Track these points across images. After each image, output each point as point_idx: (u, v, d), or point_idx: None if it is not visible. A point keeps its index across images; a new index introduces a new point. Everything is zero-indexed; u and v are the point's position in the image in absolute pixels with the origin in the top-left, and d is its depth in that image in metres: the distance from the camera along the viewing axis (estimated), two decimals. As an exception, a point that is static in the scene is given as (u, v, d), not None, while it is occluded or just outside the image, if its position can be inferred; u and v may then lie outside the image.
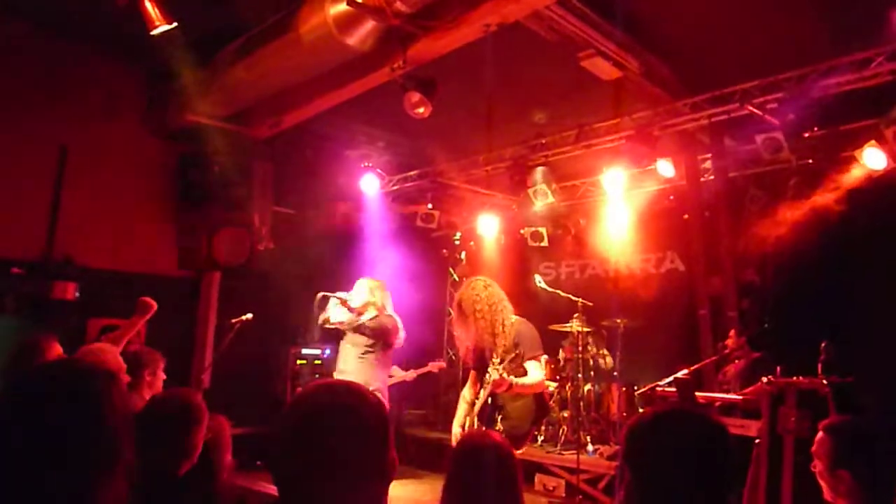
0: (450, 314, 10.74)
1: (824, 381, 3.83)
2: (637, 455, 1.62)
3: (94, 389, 1.31)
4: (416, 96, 5.47)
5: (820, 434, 2.43)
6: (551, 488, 7.11)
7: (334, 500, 1.32)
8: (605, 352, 8.11)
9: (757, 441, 4.30)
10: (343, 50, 5.30)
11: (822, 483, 2.39)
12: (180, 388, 3.42)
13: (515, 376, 3.95)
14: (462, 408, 4.33)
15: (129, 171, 7.46)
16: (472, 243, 10.38)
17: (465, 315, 4.21)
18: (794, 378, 3.96)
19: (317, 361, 8.37)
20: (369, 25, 5.04)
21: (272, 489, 1.38)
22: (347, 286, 5.80)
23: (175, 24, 5.25)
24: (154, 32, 5.36)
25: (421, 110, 5.54)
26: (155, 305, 4.55)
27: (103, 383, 1.34)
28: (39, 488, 1.18)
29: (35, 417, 1.23)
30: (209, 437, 2.88)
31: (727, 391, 5.81)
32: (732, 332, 6.48)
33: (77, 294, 6.72)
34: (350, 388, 1.45)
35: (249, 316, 6.18)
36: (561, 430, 7.78)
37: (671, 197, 8.32)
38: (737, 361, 6.35)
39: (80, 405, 1.27)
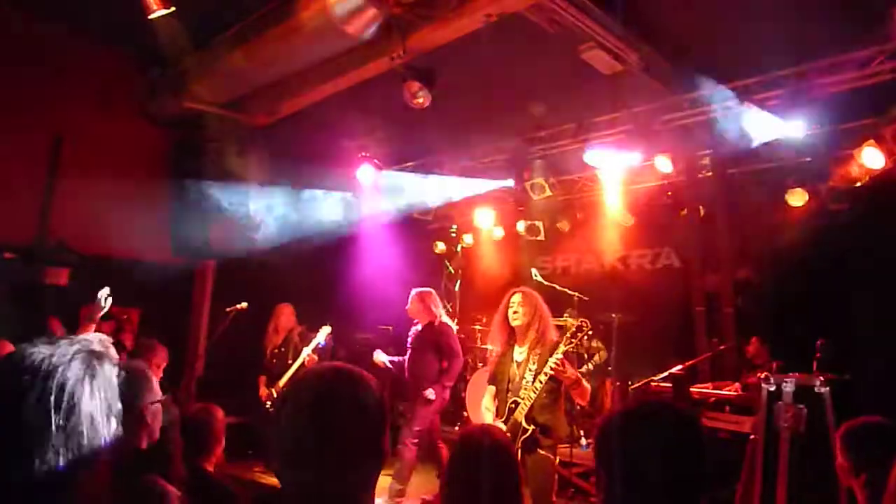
0: (445, 308, 10.75)
1: (821, 378, 3.82)
2: (610, 455, 1.59)
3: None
4: (415, 86, 5.45)
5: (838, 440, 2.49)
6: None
7: (330, 480, 1.33)
8: (600, 345, 8.09)
9: (752, 437, 4.31)
10: (343, 38, 5.25)
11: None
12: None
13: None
14: (489, 417, 4.28)
15: (125, 158, 7.38)
16: (468, 236, 10.34)
17: (528, 315, 4.19)
18: (791, 374, 3.95)
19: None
20: (370, 13, 5.00)
21: (263, 478, 1.38)
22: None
23: (172, 9, 5.20)
24: (151, 17, 5.31)
25: (420, 100, 5.51)
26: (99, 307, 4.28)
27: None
28: (25, 469, 1.16)
29: (20, 399, 1.20)
30: (199, 423, 2.85)
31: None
32: (755, 339, 6.42)
33: (70, 280, 6.67)
34: (351, 372, 1.45)
35: (244, 305, 6.17)
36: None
37: (669, 193, 8.31)
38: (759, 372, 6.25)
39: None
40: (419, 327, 6.24)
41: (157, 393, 2.56)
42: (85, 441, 1.20)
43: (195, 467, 2.86)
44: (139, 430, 2.45)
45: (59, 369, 1.22)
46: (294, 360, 6.49)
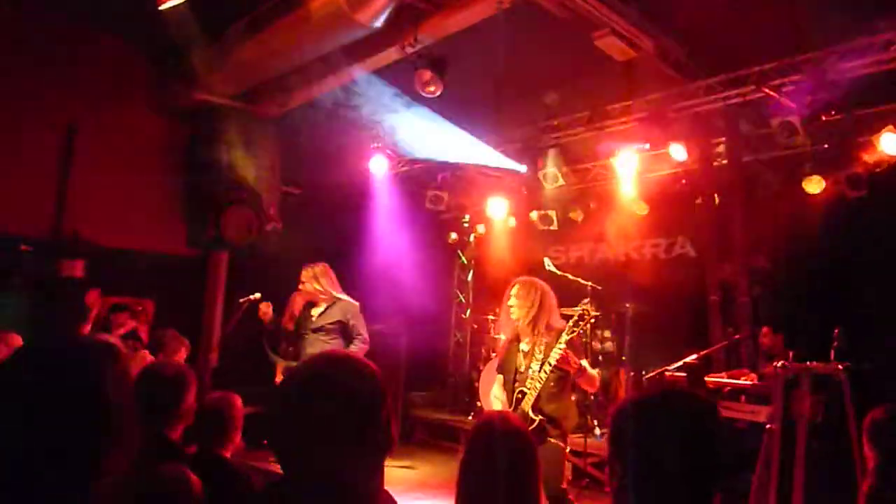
0: (458, 298, 10.75)
1: (840, 367, 3.77)
2: (624, 443, 1.55)
3: (93, 364, 1.31)
4: (427, 74, 5.41)
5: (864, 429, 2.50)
6: (558, 472, 7.08)
7: (327, 469, 1.32)
8: (608, 334, 8.04)
9: (768, 426, 4.27)
10: (354, 27, 5.23)
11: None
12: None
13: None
14: (496, 407, 4.22)
15: (138, 150, 7.42)
16: (481, 226, 10.32)
17: (526, 305, 4.13)
18: (809, 363, 3.90)
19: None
20: (380, 1, 4.97)
21: (279, 467, 1.38)
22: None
23: (183, -1, 5.20)
24: (162, 8, 5.31)
25: (432, 89, 5.47)
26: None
27: (103, 358, 1.33)
28: (39, 461, 1.18)
29: (33, 392, 1.23)
30: (217, 411, 2.88)
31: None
32: (767, 329, 6.31)
33: (85, 272, 6.71)
34: (345, 360, 1.44)
35: (258, 295, 6.16)
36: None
37: (683, 181, 8.22)
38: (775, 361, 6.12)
39: (79, 379, 1.26)
40: (321, 309, 5.67)
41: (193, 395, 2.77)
42: (114, 428, 1.23)
43: (213, 455, 2.88)
44: (178, 425, 2.69)
45: (83, 363, 1.24)
46: None
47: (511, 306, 4.20)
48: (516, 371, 4.15)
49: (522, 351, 4.18)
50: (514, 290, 4.23)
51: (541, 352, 4.03)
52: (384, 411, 1.39)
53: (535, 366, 4.01)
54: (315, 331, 5.60)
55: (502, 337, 4.72)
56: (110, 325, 6.04)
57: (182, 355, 4.36)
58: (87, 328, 5.54)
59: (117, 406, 1.26)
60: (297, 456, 1.34)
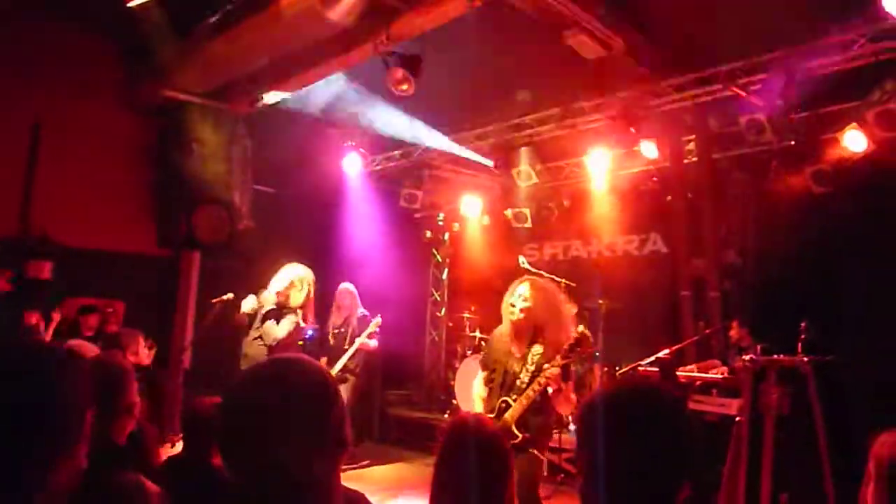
0: (433, 297, 10.75)
1: (805, 360, 3.85)
2: (590, 437, 1.53)
3: (49, 370, 1.31)
4: (399, 73, 5.40)
5: None
6: (533, 467, 7.11)
7: (277, 472, 1.31)
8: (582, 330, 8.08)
9: (738, 419, 4.34)
10: (325, 25, 5.20)
11: None
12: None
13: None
14: (479, 405, 4.05)
15: (108, 148, 7.31)
16: (455, 224, 10.33)
17: (533, 314, 3.89)
18: (775, 356, 3.98)
19: (299, 342, 8.28)
20: (351, -1, 4.96)
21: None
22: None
23: (152, -4, 5.15)
24: (130, 5, 5.25)
25: (405, 87, 5.47)
26: None
27: (59, 364, 1.33)
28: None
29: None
30: (209, 419, 2.80)
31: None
32: (735, 323, 6.38)
33: (53, 273, 6.60)
34: (291, 364, 1.43)
35: (230, 296, 6.11)
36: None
37: (654, 178, 8.32)
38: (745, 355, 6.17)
39: (35, 386, 1.26)
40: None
41: (135, 390, 2.58)
42: (59, 435, 1.22)
43: (203, 464, 2.81)
44: (122, 425, 2.50)
45: (36, 367, 1.23)
46: (350, 345, 6.58)
47: (512, 305, 3.95)
48: (505, 372, 3.93)
49: (514, 355, 3.96)
50: (524, 291, 3.96)
51: (533, 363, 3.83)
52: (335, 410, 1.38)
53: (525, 377, 3.82)
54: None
55: (478, 333, 4.66)
56: (79, 328, 5.95)
57: (140, 344, 4.28)
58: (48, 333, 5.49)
59: (68, 415, 1.26)
60: (246, 457, 1.34)
